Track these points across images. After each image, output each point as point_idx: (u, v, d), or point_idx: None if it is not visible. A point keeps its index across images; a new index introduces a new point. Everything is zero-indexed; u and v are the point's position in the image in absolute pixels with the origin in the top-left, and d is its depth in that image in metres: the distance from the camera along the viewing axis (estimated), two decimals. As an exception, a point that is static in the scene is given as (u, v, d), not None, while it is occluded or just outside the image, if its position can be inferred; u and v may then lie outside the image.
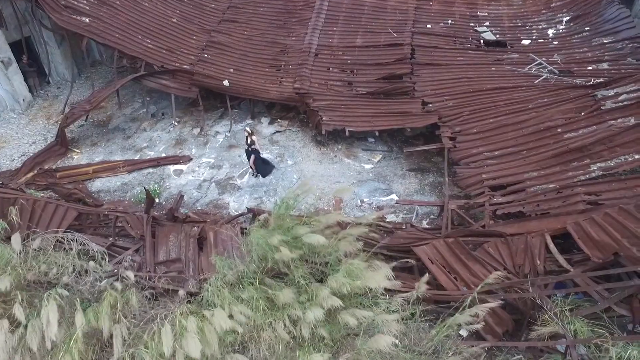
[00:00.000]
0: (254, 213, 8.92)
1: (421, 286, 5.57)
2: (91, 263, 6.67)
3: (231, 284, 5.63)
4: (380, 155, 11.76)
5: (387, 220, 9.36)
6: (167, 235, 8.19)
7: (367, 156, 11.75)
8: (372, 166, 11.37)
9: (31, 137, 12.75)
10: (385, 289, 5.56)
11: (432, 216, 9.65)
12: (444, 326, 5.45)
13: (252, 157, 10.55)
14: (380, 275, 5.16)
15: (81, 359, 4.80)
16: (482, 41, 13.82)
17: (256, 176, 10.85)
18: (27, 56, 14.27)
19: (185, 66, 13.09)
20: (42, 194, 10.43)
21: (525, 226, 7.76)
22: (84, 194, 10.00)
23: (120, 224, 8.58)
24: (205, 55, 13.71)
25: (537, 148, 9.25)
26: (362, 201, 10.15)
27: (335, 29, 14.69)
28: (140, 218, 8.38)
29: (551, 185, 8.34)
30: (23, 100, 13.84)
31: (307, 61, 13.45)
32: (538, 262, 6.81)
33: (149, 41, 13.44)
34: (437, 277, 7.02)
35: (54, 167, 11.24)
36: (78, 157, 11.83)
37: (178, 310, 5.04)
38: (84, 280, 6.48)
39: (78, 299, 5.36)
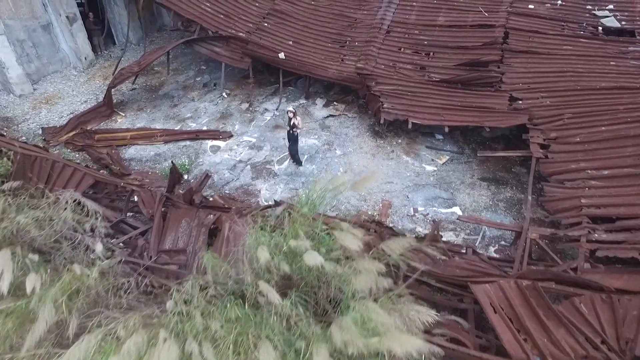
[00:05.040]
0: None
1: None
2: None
3: (211, 301, 4.33)
4: (447, 157, 9.74)
5: (443, 239, 7.49)
6: (179, 220, 7.14)
7: (430, 156, 9.80)
8: (435, 169, 9.42)
9: (85, 95, 12.54)
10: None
11: (502, 242, 7.58)
12: None
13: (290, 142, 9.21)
14: (406, 337, 3.47)
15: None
16: (600, 28, 10.96)
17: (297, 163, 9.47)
18: (94, 14, 14.13)
19: (240, 34, 11.98)
20: (77, 155, 10.04)
21: (640, 282, 5.51)
22: (114, 160, 9.37)
23: (135, 199, 7.71)
24: (265, 24, 12.48)
25: (670, 173, 6.74)
26: (415, 210, 8.33)
27: (414, 3, 12.64)
28: (154, 195, 7.43)
29: (688, 229, 5.91)
30: (85, 58, 13.74)
31: (376, 38, 11.66)
32: (660, 342, 4.65)
33: (207, 4, 12.50)
34: (498, 334, 5.14)
35: (94, 128, 10.82)
36: (121, 121, 11.32)
37: (132, 318, 3.85)
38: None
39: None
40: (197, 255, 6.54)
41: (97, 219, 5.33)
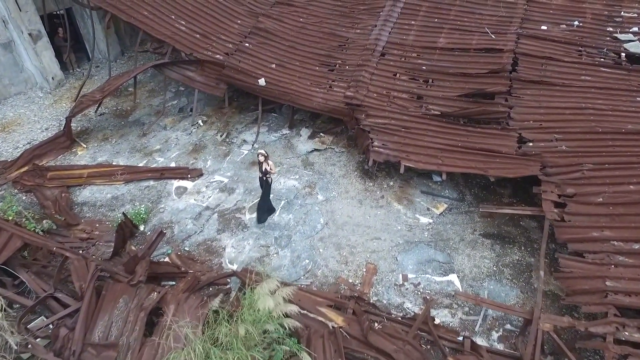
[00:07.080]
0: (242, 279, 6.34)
1: None
2: None
3: None
4: (445, 205, 8.45)
5: (437, 320, 6.22)
6: (117, 298, 5.92)
7: (426, 203, 8.51)
8: (431, 220, 8.13)
9: (47, 121, 11.40)
10: None
11: (508, 326, 6.27)
12: None
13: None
14: None
15: None
16: (624, 55, 9.61)
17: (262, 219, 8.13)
18: (64, 30, 12.99)
19: (218, 56, 10.75)
20: (25, 197, 8.88)
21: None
22: (61, 207, 8.17)
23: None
24: (246, 45, 11.24)
25: None
26: (405, 278, 7.04)
27: (413, 22, 11.34)
28: (89, 265, 6.21)
29: None
30: (52, 78, 12.61)
31: (369, 62, 10.39)
32: None
33: (183, 23, 11.30)
34: None
35: (49, 164, 9.65)
36: (82, 154, 10.15)
37: None
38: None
39: None
40: (129, 352, 5.31)
41: None
